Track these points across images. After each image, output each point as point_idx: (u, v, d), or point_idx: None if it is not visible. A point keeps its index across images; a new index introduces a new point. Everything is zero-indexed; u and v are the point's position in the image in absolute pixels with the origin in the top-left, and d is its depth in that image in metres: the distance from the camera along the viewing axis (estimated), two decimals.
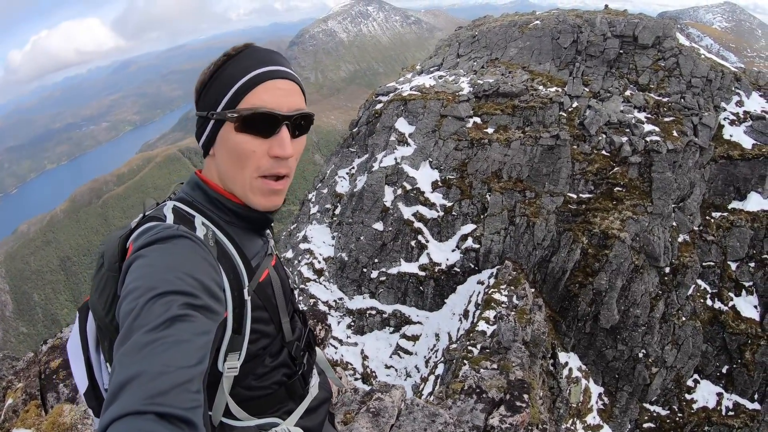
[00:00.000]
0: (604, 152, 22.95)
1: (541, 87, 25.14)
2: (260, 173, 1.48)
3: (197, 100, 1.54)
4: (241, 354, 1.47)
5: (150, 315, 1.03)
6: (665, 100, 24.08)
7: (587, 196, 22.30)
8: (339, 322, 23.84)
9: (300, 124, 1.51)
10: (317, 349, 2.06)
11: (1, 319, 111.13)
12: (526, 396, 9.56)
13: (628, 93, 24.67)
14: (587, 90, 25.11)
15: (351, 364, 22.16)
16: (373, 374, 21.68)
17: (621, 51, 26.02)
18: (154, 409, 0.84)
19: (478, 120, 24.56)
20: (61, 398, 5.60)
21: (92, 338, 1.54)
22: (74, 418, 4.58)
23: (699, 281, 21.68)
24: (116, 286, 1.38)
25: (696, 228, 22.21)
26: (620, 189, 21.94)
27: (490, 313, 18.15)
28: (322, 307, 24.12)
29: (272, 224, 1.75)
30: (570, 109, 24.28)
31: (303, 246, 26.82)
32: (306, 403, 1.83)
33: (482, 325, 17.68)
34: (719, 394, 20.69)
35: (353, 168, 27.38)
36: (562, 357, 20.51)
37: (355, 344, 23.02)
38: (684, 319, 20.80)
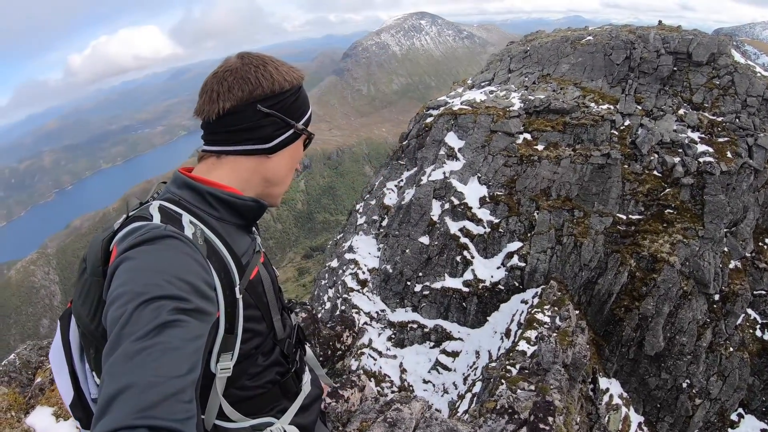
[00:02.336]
0: (655, 172, 22.43)
1: (592, 104, 24.81)
2: None
3: (272, 98, 1.59)
4: (234, 354, 1.46)
5: (139, 322, 1.02)
6: (719, 119, 23.36)
7: (637, 217, 21.83)
8: (380, 334, 23.89)
9: None
10: (306, 346, 2.08)
11: (49, 308, 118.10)
12: (550, 419, 9.43)
13: (681, 112, 24.02)
14: (640, 108, 24.62)
15: (389, 377, 22.10)
16: (410, 388, 21.59)
17: (675, 68, 25.38)
18: (147, 422, 0.85)
19: (528, 136, 24.35)
20: None
21: (76, 347, 1.53)
22: None
23: (749, 310, 20.90)
24: (101, 291, 1.36)
25: (748, 254, 21.52)
26: (671, 211, 21.38)
27: (532, 333, 17.92)
28: (364, 318, 24.26)
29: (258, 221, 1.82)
30: (622, 128, 23.85)
31: (348, 256, 27.09)
32: (299, 400, 1.87)
33: (523, 345, 17.45)
34: (764, 431, 19.98)
35: (402, 180, 27.50)
36: (603, 382, 20.12)
37: (395, 357, 23.03)
38: (731, 349, 20.10)
